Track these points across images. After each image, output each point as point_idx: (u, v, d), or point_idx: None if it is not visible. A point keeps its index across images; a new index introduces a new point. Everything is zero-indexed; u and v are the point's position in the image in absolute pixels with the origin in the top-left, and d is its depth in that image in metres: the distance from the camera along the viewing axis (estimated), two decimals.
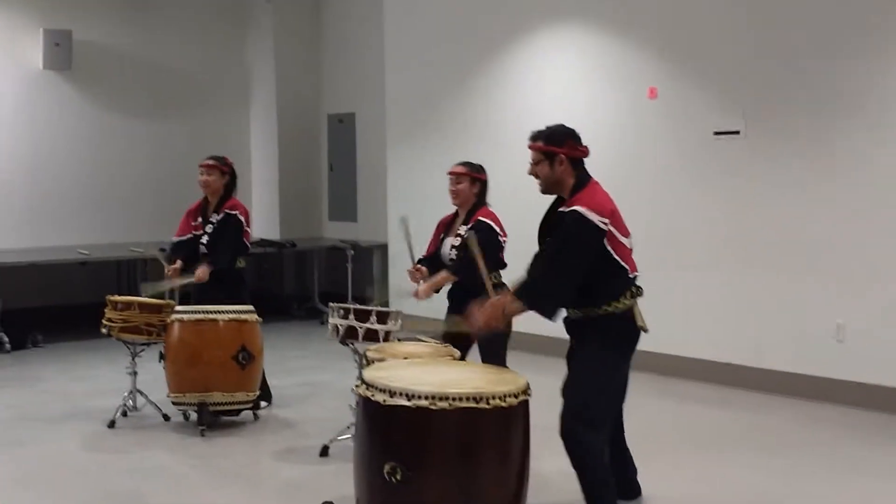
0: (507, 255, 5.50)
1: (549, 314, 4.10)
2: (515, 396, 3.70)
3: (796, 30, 7.17)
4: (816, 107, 7.08)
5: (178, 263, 6.74)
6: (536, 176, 4.23)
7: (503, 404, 3.64)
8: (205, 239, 6.69)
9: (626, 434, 4.66)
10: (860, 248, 6.86)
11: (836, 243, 6.98)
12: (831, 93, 6.99)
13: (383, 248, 10.78)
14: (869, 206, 6.83)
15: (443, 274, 5.57)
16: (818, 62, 7.05)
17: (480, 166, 5.72)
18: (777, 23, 7.28)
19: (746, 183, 7.49)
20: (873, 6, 6.82)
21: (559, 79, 8.79)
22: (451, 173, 5.71)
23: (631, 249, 4.20)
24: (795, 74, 7.18)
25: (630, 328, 4.16)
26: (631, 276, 4.15)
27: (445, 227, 5.79)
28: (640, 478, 4.71)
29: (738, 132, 7.52)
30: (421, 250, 5.80)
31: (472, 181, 5.63)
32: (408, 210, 9.87)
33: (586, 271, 4.02)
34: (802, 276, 7.16)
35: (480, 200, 5.65)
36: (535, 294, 4.06)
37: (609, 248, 4.05)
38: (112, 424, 6.35)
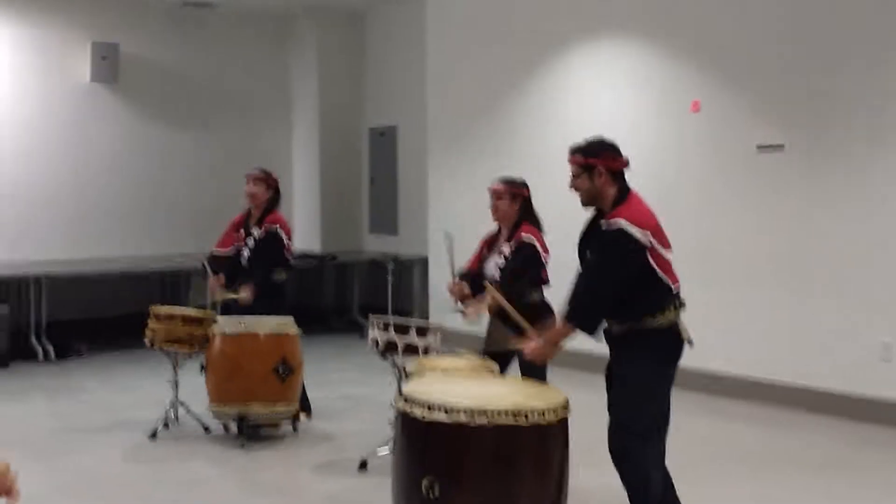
0: (551, 272, 5.40)
1: (592, 331, 4.14)
2: (555, 412, 3.67)
3: (844, 41, 7.07)
4: (863, 121, 6.97)
5: (222, 277, 6.79)
6: (577, 189, 4.23)
7: (542, 421, 3.60)
8: (245, 252, 6.72)
9: (667, 450, 4.59)
10: None
11: (883, 260, 6.85)
12: (879, 107, 6.88)
13: (424, 262, 10.78)
14: None
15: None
16: (866, 75, 6.95)
17: (522, 181, 5.57)
18: (824, 34, 7.18)
19: (790, 198, 7.39)
20: None
21: (601, 92, 8.75)
22: (490, 190, 5.57)
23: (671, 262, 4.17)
24: (842, 88, 7.08)
25: (674, 341, 4.14)
26: (673, 289, 4.13)
27: (489, 244, 5.63)
28: (682, 497, 4.64)
29: (781, 146, 7.43)
30: (462, 265, 5.67)
31: (511, 198, 5.48)
32: (449, 224, 9.94)
33: (628, 285, 4.01)
34: (848, 294, 7.04)
35: (523, 216, 5.49)
36: (583, 314, 4.10)
37: (652, 262, 4.03)
38: (154, 435, 6.40)
